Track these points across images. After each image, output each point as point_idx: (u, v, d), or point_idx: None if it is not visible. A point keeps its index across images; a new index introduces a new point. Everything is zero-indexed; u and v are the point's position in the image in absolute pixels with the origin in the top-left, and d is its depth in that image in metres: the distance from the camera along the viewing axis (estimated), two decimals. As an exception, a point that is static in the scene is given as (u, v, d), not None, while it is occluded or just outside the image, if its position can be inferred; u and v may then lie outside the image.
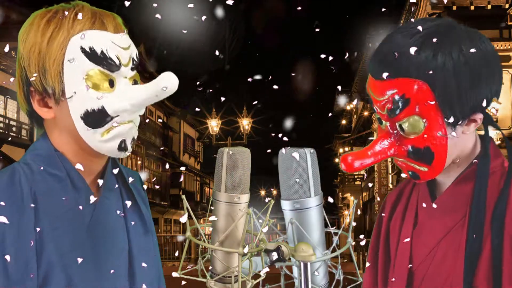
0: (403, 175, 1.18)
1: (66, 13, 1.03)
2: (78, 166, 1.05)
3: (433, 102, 1.05)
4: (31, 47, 1.02)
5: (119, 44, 1.03)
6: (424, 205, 1.19)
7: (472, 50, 1.05)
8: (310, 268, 0.95)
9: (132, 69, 1.06)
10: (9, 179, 0.99)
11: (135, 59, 1.07)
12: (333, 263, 1.12)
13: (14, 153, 15.70)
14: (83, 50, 1.00)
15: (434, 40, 1.05)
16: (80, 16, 1.02)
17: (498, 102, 1.12)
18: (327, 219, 1.08)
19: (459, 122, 1.08)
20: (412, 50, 1.04)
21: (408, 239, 1.18)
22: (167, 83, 0.98)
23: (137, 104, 1.02)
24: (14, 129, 17.25)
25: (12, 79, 1.13)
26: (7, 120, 16.88)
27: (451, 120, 1.06)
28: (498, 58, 1.11)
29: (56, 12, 1.04)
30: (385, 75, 1.07)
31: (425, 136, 1.07)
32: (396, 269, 1.20)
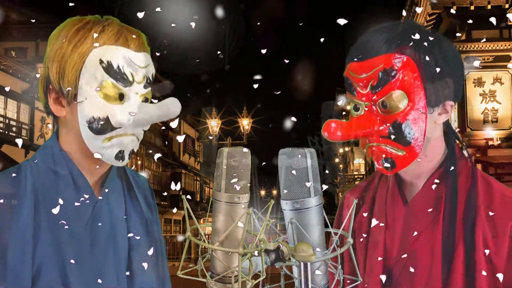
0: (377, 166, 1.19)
1: (95, 25, 1.11)
2: (81, 167, 1.13)
3: (416, 75, 1.10)
4: (57, 50, 1.10)
5: (136, 63, 1.10)
6: (395, 206, 1.22)
7: (448, 48, 1.16)
8: (310, 268, 0.95)
9: (145, 87, 1.13)
10: (15, 174, 1.08)
11: (150, 78, 1.14)
12: (333, 263, 1.12)
13: (14, 153, 15.70)
14: (101, 62, 1.07)
15: (414, 36, 1.13)
16: (106, 30, 1.10)
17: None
18: (327, 219, 1.08)
19: (438, 104, 1.15)
20: (394, 41, 1.13)
21: (380, 240, 1.20)
22: (170, 109, 1.08)
23: (137, 120, 1.09)
24: (14, 129, 17.25)
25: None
26: (7, 120, 16.88)
27: (433, 98, 1.13)
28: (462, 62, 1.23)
29: (87, 23, 1.12)
30: (374, 50, 1.13)
31: (407, 110, 1.11)
32: (369, 269, 1.20)
